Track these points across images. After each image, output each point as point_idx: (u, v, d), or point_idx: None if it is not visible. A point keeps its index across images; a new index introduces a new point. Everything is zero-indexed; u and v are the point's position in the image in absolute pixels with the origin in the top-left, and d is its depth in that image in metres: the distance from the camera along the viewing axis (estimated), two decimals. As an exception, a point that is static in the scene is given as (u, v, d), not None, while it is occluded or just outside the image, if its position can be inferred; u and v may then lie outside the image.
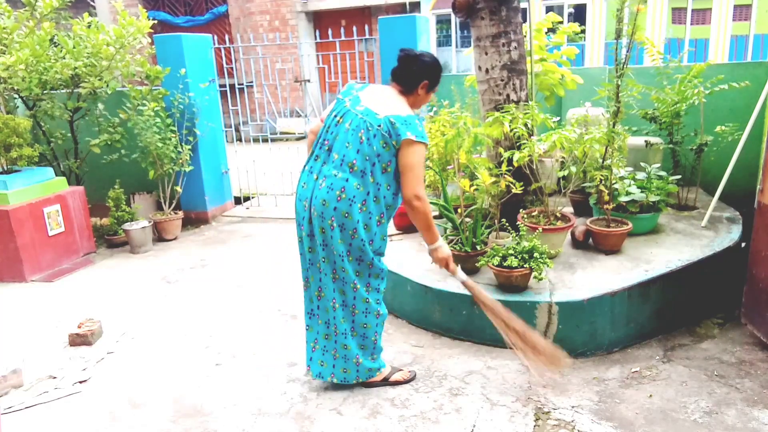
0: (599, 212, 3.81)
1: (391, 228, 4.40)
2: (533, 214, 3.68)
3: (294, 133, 8.47)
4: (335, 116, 2.64)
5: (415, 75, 2.66)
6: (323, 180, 2.58)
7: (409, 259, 3.72)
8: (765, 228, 3.07)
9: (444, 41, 11.86)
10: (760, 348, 3.09)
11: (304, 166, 2.72)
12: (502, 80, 3.73)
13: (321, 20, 12.04)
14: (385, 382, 2.90)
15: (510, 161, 3.45)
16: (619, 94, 3.72)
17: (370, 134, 2.53)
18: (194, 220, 6.10)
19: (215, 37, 6.76)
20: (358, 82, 2.77)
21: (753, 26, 10.21)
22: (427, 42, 5.62)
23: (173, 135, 5.51)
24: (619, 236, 3.52)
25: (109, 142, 5.53)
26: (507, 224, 3.58)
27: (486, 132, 3.67)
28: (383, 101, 2.61)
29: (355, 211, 2.54)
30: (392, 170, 2.59)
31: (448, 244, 3.47)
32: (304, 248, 2.72)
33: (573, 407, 2.67)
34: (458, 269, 2.79)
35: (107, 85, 5.38)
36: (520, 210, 3.76)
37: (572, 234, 3.71)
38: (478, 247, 3.39)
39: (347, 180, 2.53)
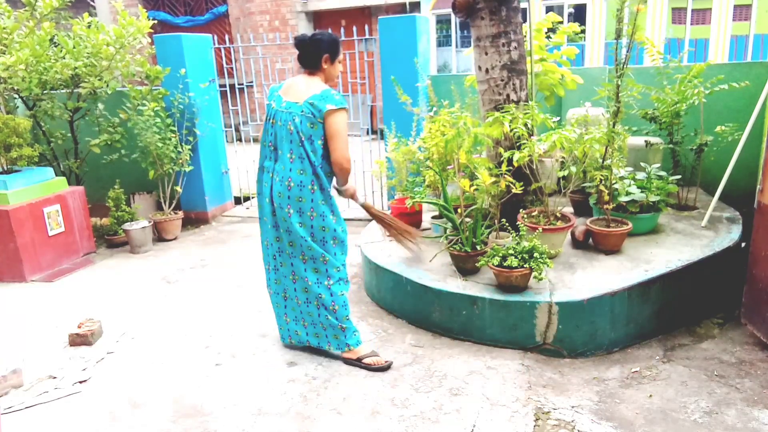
0: (599, 212, 3.81)
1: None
2: (533, 214, 3.68)
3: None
4: (269, 120, 2.99)
5: (314, 53, 2.94)
6: (276, 175, 2.94)
7: (409, 259, 3.72)
8: (765, 228, 3.07)
9: (444, 41, 11.85)
10: (760, 348, 3.09)
11: (259, 169, 3.07)
12: (502, 80, 3.73)
13: (321, 20, 12.03)
14: (359, 362, 3.11)
15: (510, 161, 3.45)
16: (619, 94, 3.72)
17: (297, 123, 2.86)
18: (194, 220, 6.10)
19: (215, 37, 6.76)
20: (276, 84, 3.10)
21: (753, 26, 10.20)
22: (427, 42, 5.62)
23: (173, 135, 5.51)
24: (619, 236, 3.52)
25: (109, 142, 5.53)
26: (507, 224, 3.58)
27: (486, 132, 3.67)
28: (298, 90, 2.93)
29: (306, 194, 2.90)
30: (323, 141, 2.93)
31: (448, 244, 3.48)
32: (271, 239, 3.07)
33: (573, 407, 2.67)
34: (356, 194, 3.24)
35: (107, 85, 5.38)
36: (520, 210, 3.76)
37: (572, 234, 3.71)
38: (478, 247, 3.39)
39: (291, 170, 2.89)
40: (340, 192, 3.18)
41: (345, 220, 3.12)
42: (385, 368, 3.06)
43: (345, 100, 2.91)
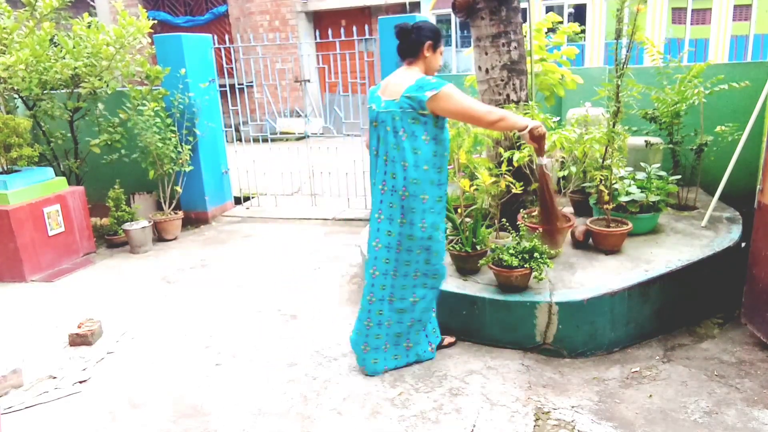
0: (599, 212, 3.81)
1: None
2: (533, 214, 3.68)
3: (294, 133, 8.46)
4: (372, 123, 2.82)
5: (416, 41, 2.75)
6: (384, 184, 2.78)
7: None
8: (765, 228, 3.06)
9: (444, 41, 11.85)
10: (760, 348, 3.09)
11: (372, 178, 2.91)
12: (502, 80, 3.74)
13: (321, 20, 12.03)
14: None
15: (510, 161, 3.45)
16: (619, 94, 3.72)
17: (396, 122, 2.68)
18: (194, 220, 6.10)
19: (215, 37, 6.76)
20: (376, 86, 2.91)
21: (753, 26, 10.21)
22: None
23: (173, 135, 5.51)
24: (619, 236, 3.52)
25: (109, 142, 5.53)
26: (507, 224, 3.58)
27: (486, 132, 3.67)
28: (394, 86, 2.74)
29: (418, 203, 2.73)
30: (430, 137, 2.71)
31: (448, 244, 3.48)
32: (389, 251, 2.87)
33: (573, 407, 2.67)
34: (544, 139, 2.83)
35: (107, 85, 5.38)
36: (520, 210, 3.76)
37: (572, 234, 3.70)
38: (479, 247, 3.39)
39: (405, 178, 2.70)
40: (525, 135, 2.79)
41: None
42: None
43: (443, 80, 2.67)
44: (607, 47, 10.52)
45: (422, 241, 2.80)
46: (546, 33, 4.65)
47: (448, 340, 3.24)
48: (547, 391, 2.80)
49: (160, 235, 5.57)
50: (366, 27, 11.15)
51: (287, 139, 8.25)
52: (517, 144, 3.55)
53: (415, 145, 2.69)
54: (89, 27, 5.36)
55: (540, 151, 2.83)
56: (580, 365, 3.03)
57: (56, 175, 5.23)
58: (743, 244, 3.69)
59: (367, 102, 2.90)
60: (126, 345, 3.53)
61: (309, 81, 9.28)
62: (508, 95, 3.75)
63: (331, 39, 6.09)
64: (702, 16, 10.90)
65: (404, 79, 2.73)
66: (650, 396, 2.73)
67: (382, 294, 2.89)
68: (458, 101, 2.64)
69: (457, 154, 3.69)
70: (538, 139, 2.75)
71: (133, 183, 5.93)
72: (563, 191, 3.81)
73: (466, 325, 3.27)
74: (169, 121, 5.52)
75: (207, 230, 5.93)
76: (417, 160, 2.70)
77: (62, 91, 5.48)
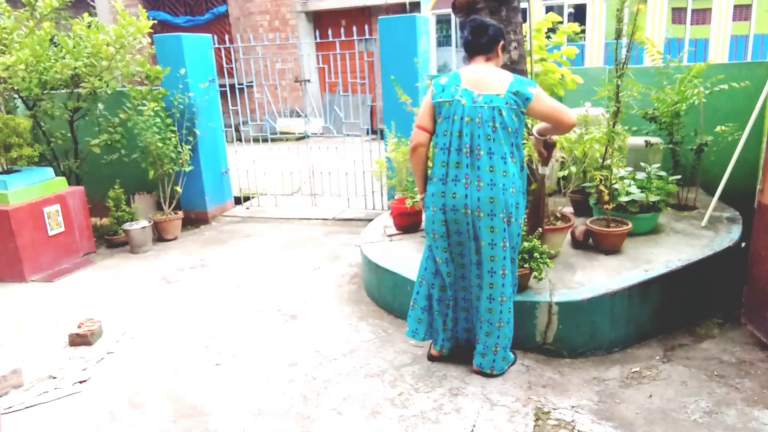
0: (599, 212, 3.81)
1: (391, 228, 4.40)
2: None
3: (294, 133, 8.46)
4: (461, 118, 2.68)
5: (493, 38, 2.77)
6: (478, 181, 2.67)
7: (410, 259, 3.72)
8: (765, 228, 3.06)
9: (444, 41, 11.84)
10: (760, 348, 3.09)
11: (443, 178, 2.76)
12: (502, 80, 3.73)
13: (321, 20, 12.03)
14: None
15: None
16: (619, 94, 3.72)
17: (503, 117, 2.64)
18: (194, 220, 6.10)
19: (215, 37, 6.76)
20: (430, 79, 2.88)
21: (753, 26, 10.20)
22: (427, 42, 5.62)
23: (173, 135, 5.51)
24: (619, 236, 3.52)
25: (109, 142, 5.53)
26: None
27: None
28: (490, 81, 2.70)
29: (509, 197, 2.68)
30: (521, 134, 2.75)
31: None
32: (455, 253, 2.86)
33: (573, 407, 2.67)
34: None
35: (107, 85, 5.38)
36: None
37: (572, 234, 3.70)
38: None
39: (494, 170, 2.65)
40: (543, 140, 2.96)
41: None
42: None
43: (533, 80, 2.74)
44: (607, 47, 10.52)
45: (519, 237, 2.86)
46: (546, 33, 4.64)
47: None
48: (547, 391, 2.80)
49: (160, 235, 5.57)
50: (366, 27, 11.14)
51: (287, 139, 8.24)
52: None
53: (518, 142, 2.72)
54: (89, 27, 5.36)
55: (546, 161, 2.96)
56: (580, 365, 3.03)
57: (56, 175, 5.23)
58: (743, 244, 3.69)
59: (438, 96, 2.75)
60: (126, 345, 3.53)
61: (309, 81, 9.29)
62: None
63: (331, 39, 6.09)
64: (702, 16, 10.89)
65: (499, 74, 2.73)
66: (650, 396, 2.73)
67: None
68: (551, 101, 2.73)
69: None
70: (550, 147, 2.87)
71: (133, 183, 5.93)
72: (563, 191, 3.80)
73: (466, 325, 3.26)
74: (169, 121, 5.52)
75: (207, 230, 5.93)
76: (520, 156, 2.74)
77: (62, 91, 5.48)
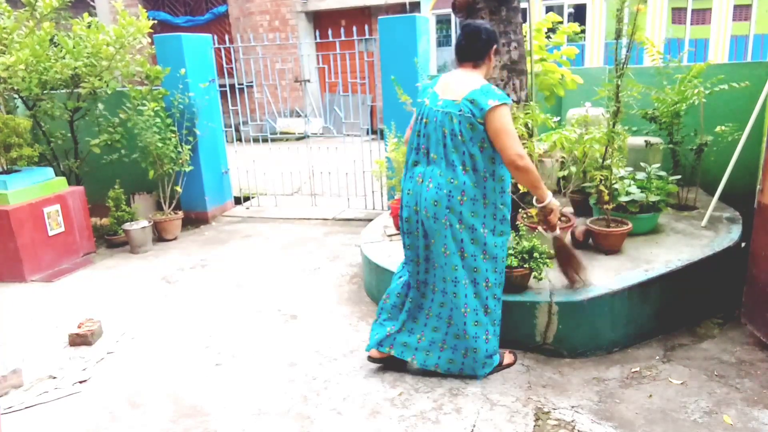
0: (599, 212, 3.81)
1: (391, 228, 4.40)
2: (533, 214, 3.68)
3: (294, 133, 8.47)
4: (421, 119, 2.75)
5: (486, 44, 2.73)
6: (429, 182, 2.68)
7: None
8: (765, 228, 3.06)
9: (444, 41, 11.85)
10: (760, 348, 3.09)
11: (405, 175, 2.84)
12: (502, 80, 3.73)
13: (321, 20, 12.03)
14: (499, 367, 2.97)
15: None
16: (619, 94, 3.71)
17: (453, 123, 2.62)
18: (194, 220, 6.10)
19: (215, 37, 6.76)
20: (430, 79, 2.86)
21: (753, 26, 10.21)
22: (427, 42, 5.62)
23: (173, 135, 5.51)
24: (619, 236, 3.52)
25: (109, 142, 5.53)
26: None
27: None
28: (457, 86, 2.69)
29: (455, 204, 2.64)
30: (488, 144, 2.65)
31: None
32: (419, 251, 2.86)
33: (573, 407, 2.67)
34: (556, 217, 2.92)
35: (107, 85, 5.37)
36: (520, 210, 3.75)
37: (572, 234, 3.70)
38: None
39: (444, 176, 2.64)
40: (541, 213, 2.89)
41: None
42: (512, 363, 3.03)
43: (506, 96, 2.64)
44: (607, 47, 10.52)
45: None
46: (546, 33, 4.65)
47: None
48: (547, 391, 2.80)
49: (160, 235, 5.57)
50: (366, 27, 11.15)
51: (287, 139, 8.25)
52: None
53: (471, 151, 2.63)
54: (89, 27, 5.36)
55: (551, 228, 2.94)
56: (580, 365, 3.03)
57: (56, 175, 5.23)
58: (743, 244, 3.68)
59: (419, 96, 2.83)
60: (126, 345, 3.53)
61: (309, 81, 9.29)
62: (508, 95, 3.74)
63: (331, 39, 6.09)
64: (702, 16, 10.89)
65: (469, 80, 2.68)
66: (650, 396, 2.73)
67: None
68: (505, 124, 2.59)
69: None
70: (547, 216, 2.85)
71: (133, 183, 5.93)
72: (563, 191, 3.80)
73: (466, 325, 3.26)
74: (169, 121, 5.52)
75: (207, 230, 5.93)
76: (475, 165, 2.65)
77: (62, 91, 5.48)
